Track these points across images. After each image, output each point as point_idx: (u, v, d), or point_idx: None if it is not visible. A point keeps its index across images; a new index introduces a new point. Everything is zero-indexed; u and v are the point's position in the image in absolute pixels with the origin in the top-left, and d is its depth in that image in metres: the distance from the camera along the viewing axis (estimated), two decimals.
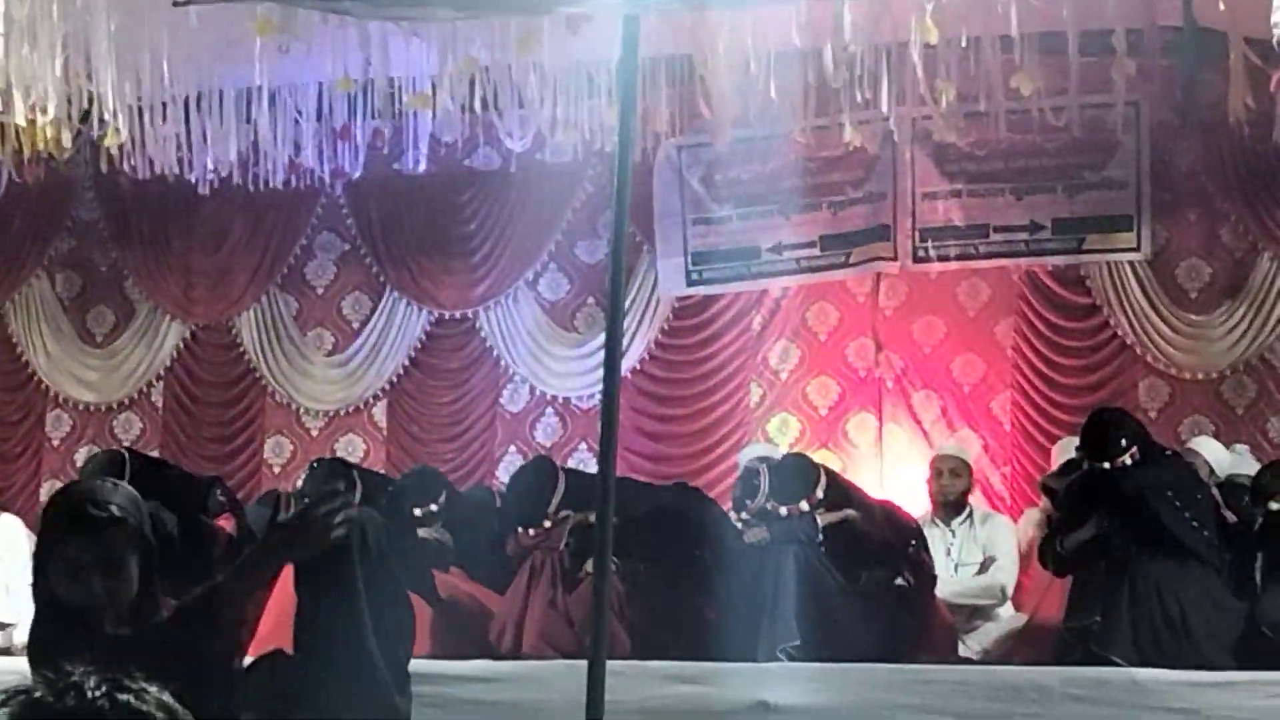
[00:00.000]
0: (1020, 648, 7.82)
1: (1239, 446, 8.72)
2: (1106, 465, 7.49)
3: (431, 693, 7.07)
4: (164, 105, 9.26)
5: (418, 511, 8.28)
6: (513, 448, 10.88)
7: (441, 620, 7.90)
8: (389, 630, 4.60)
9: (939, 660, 7.49)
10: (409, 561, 7.82)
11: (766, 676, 6.99)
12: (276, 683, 4.53)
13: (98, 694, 2.09)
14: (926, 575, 7.78)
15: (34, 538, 3.88)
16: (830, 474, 8.12)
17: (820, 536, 7.60)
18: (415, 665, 6.88)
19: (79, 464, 10.83)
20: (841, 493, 7.94)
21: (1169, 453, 7.96)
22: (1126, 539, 7.25)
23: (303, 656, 4.55)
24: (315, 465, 8.92)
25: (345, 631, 4.49)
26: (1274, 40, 7.36)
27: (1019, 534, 8.79)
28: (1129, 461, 7.48)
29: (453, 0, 4.96)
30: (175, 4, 6.65)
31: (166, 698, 2.14)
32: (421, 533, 8.19)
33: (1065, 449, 8.81)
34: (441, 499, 8.51)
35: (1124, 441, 7.51)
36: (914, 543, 7.87)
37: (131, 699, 2.10)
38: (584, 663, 4.53)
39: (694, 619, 7.37)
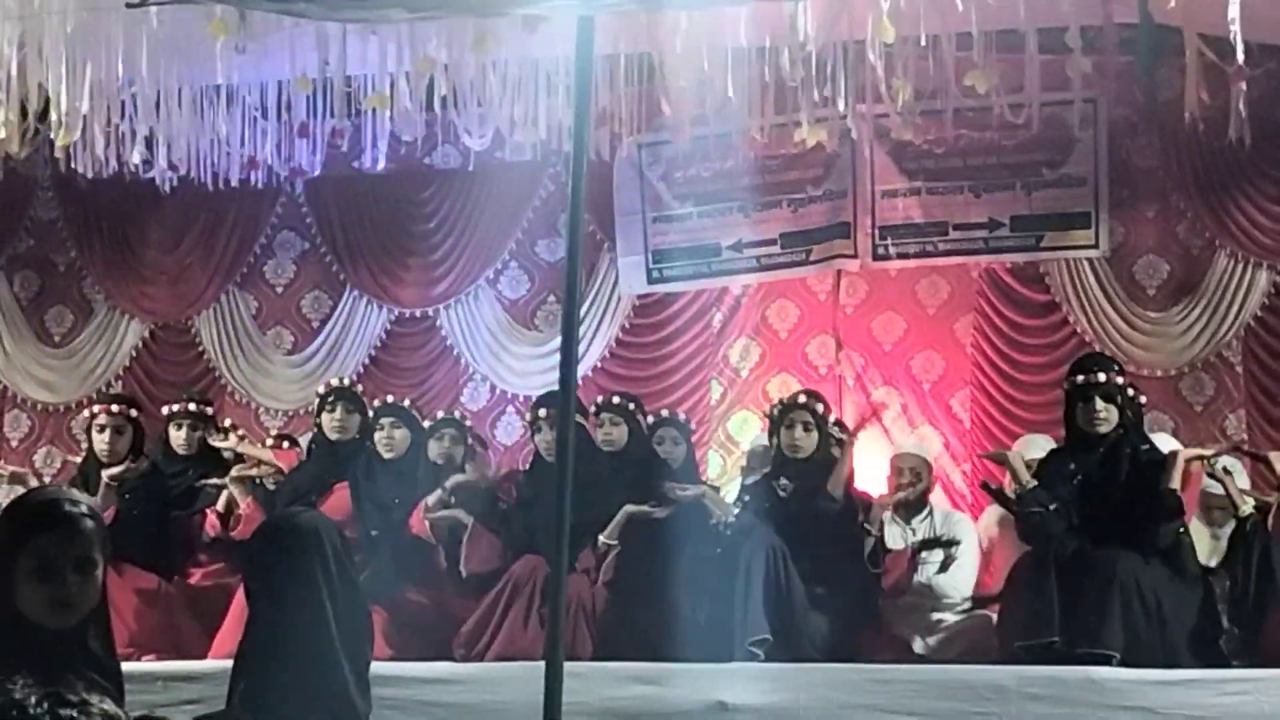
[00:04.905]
0: (980, 646, 7.82)
1: (1229, 460, 8.59)
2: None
3: (391, 695, 7.06)
4: (122, 104, 9.20)
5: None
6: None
7: (401, 623, 7.88)
8: (352, 631, 4.55)
9: (895, 659, 7.50)
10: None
11: (725, 676, 6.99)
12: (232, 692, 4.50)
13: (40, 712, 2.07)
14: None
15: None
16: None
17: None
18: (375, 667, 6.88)
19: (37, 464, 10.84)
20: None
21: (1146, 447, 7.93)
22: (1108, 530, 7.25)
23: (260, 661, 4.49)
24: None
25: (310, 635, 4.44)
26: (1230, 36, 7.38)
27: (980, 531, 8.80)
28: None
29: (405, 2, 4.94)
30: (128, 5, 6.61)
31: (109, 706, 2.12)
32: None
33: (1025, 446, 8.83)
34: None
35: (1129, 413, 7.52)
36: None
37: (75, 713, 2.08)
38: (543, 664, 4.53)
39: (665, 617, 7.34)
